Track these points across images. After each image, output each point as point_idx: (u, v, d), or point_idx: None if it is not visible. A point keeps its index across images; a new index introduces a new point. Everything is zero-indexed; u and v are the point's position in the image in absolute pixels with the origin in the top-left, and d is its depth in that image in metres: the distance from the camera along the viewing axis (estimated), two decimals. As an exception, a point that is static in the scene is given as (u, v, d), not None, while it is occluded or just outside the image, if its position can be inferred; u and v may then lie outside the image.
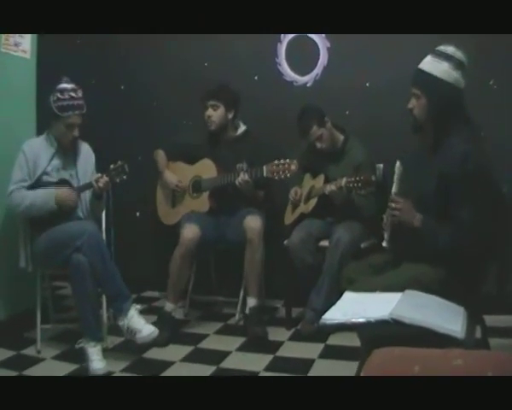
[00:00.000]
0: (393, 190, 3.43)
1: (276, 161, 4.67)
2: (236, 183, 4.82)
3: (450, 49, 3.27)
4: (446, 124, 3.26)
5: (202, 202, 5.15)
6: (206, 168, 5.13)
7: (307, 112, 4.88)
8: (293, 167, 4.61)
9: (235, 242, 4.99)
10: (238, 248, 4.94)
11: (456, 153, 3.14)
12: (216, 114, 5.09)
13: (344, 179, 4.37)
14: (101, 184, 4.39)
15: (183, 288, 5.02)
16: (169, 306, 4.93)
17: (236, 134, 5.24)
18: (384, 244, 3.51)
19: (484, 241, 3.12)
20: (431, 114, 3.30)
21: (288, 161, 4.63)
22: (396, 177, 3.45)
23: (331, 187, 4.52)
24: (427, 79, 3.27)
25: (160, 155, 5.36)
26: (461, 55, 3.27)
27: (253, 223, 4.87)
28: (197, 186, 5.18)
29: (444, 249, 3.15)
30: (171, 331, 4.69)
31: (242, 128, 5.27)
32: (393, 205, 3.31)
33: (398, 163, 3.48)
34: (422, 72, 3.30)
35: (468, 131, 3.24)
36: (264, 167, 4.71)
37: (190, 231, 4.89)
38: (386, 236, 3.51)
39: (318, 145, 4.87)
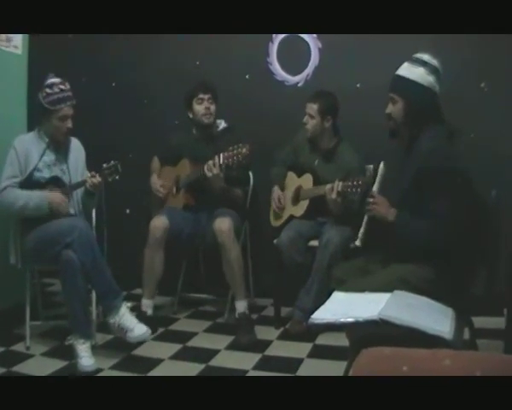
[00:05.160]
0: (374, 188, 3.51)
1: (230, 147, 4.67)
2: (207, 175, 4.81)
3: (425, 56, 3.41)
4: (420, 124, 3.37)
5: (178, 199, 5.22)
6: (183, 167, 5.19)
7: (326, 95, 4.90)
8: (244, 150, 4.59)
9: (211, 244, 4.99)
10: (216, 249, 4.94)
11: (426, 150, 3.25)
12: (213, 107, 5.13)
13: (340, 183, 4.34)
14: (95, 181, 4.41)
15: (156, 281, 5.01)
16: (143, 302, 5.00)
17: (217, 130, 5.26)
18: (357, 243, 3.56)
19: (455, 232, 3.16)
20: (407, 116, 3.41)
21: (240, 145, 4.62)
22: (378, 177, 3.53)
23: (332, 195, 4.45)
24: (404, 83, 3.41)
25: (154, 161, 5.48)
26: (435, 62, 3.40)
27: (222, 225, 4.84)
28: (177, 185, 5.25)
29: (416, 243, 3.25)
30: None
31: (223, 125, 5.29)
32: (371, 200, 3.42)
33: (381, 164, 3.56)
34: (399, 77, 3.44)
35: (438, 130, 3.34)
36: (221, 155, 4.71)
37: (157, 220, 4.98)
38: (360, 234, 3.56)
39: (305, 121, 4.90)
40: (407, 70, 3.40)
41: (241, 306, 4.89)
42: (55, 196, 4.39)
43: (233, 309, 5.02)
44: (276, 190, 5.18)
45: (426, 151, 3.23)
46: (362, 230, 3.57)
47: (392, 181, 3.47)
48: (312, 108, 4.85)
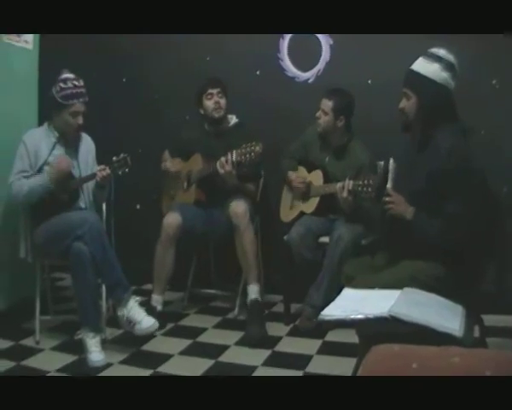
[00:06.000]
0: (388, 185, 3.46)
1: (243, 145, 4.67)
2: (219, 172, 4.81)
3: (441, 51, 3.36)
4: (434, 122, 3.33)
5: (189, 195, 5.21)
6: (195, 162, 5.19)
7: (342, 94, 4.87)
8: (257, 148, 4.59)
9: (226, 232, 4.98)
10: (229, 238, 4.95)
11: (441, 149, 3.22)
12: (223, 101, 5.13)
13: (351, 182, 4.28)
14: (104, 173, 4.42)
15: (167, 278, 5.01)
16: (153, 297, 4.99)
17: (229, 126, 5.26)
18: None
19: (472, 233, 3.16)
20: (420, 113, 3.37)
21: (253, 143, 4.62)
22: (390, 174, 3.48)
23: (343, 194, 4.39)
24: (418, 79, 3.37)
25: (165, 155, 5.48)
26: (451, 58, 3.35)
27: (238, 208, 4.86)
28: (189, 180, 5.24)
29: (434, 242, 3.22)
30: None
31: (235, 120, 5.30)
32: (387, 199, 3.39)
33: (391, 160, 3.51)
34: (413, 72, 3.40)
35: (454, 128, 3.31)
36: (234, 152, 4.71)
37: (170, 217, 4.98)
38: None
39: (318, 115, 4.89)
40: (421, 65, 3.36)
41: (253, 290, 4.87)
42: (56, 161, 4.41)
43: (245, 305, 5.01)
44: (292, 174, 5.16)
45: (443, 150, 3.21)
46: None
47: (404, 178, 3.43)
48: (327, 104, 4.83)
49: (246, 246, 4.86)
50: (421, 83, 3.34)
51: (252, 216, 4.98)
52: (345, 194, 4.35)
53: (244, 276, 5.07)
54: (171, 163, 5.37)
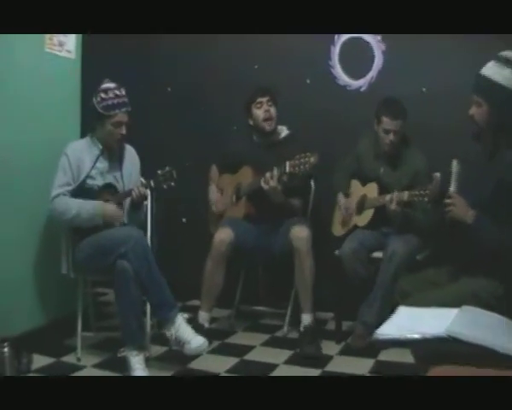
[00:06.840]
0: (451, 188, 3.34)
1: (297, 156, 4.53)
2: (264, 188, 4.71)
3: None
4: (506, 131, 3.20)
5: (238, 208, 5.11)
6: (245, 175, 5.09)
7: (403, 107, 4.71)
8: (312, 160, 4.43)
9: (281, 253, 4.89)
10: (284, 260, 4.86)
11: (510, 161, 3.12)
12: (272, 109, 5.03)
13: (406, 193, 4.24)
14: (142, 191, 4.37)
15: (216, 295, 4.92)
16: (201, 314, 4.91)
17: (279, 137, 5.14)
18: None
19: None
20: (491, 121, 3.23)
21: (308, 153, 4.47)
22: (453, 176, 3.36)
23: (393, 205, 4.37)
24: (489, 86, 3.20)
25: (213, 170, 5.39)
26: None
27: (300, 233, 4.75)
28: (238, 193, 5.14)
29: (493, 247, 3.11)
30: None
31: (286, 132, 5.18)
32: (449, 201, 3.27)
33: (454, 162, 3.38)
34: (484, 78, 3.23)
35: None
36: (287, 163, 4.57)
37: (222, 233, 4.88)
38: None
39: (389, 139, 4.70)
40: (492, 70, 3.18)
41: (306, 319, 4.79)
42: (108, 207, 4.34)
43: (294, 322, 4.96)
44: (341, 199, 5.06)
45: (510, 162, 3.10)
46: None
47: (471, 186, 3.30)
48: (395, 124, 4.67)
49: (305, 272, 4.76)
50: (492, 89, 3.18)
51: (313, 242, 4.84)
52: (393, 206, 4.35)
53: (297, 299, 4.93)
54: (216, 197, 5.29)
